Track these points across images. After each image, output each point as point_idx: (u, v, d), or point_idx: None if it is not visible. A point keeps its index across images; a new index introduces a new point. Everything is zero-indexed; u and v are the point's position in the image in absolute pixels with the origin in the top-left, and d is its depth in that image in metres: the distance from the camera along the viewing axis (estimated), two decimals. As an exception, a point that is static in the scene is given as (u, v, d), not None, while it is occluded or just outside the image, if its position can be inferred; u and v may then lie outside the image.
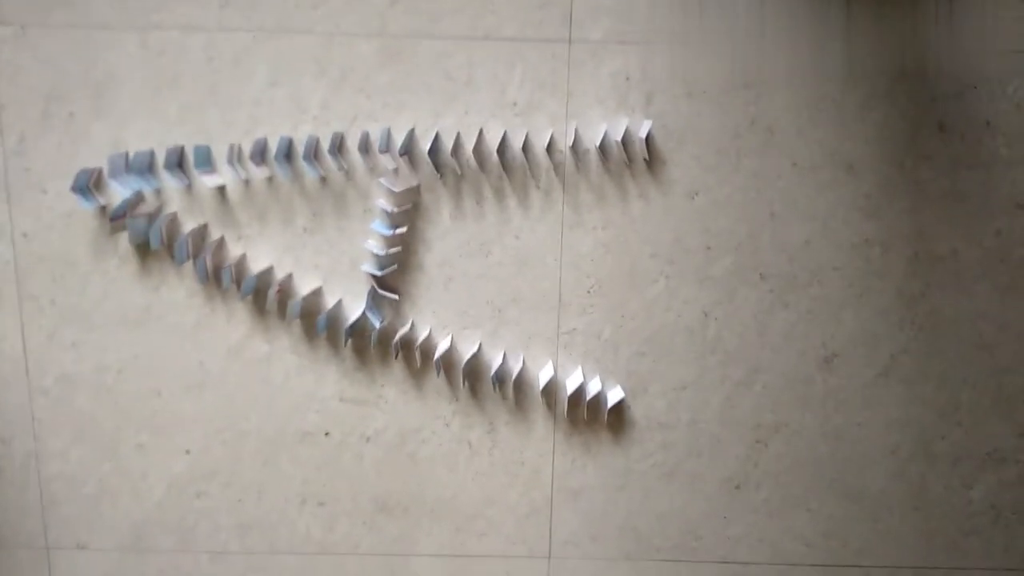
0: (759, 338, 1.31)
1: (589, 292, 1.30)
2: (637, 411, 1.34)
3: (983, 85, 1.24)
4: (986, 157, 1.26)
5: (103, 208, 1.25)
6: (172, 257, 1.27)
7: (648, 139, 1.24)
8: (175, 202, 1.26)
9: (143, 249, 1.27)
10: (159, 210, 1.26)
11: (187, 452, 1.33)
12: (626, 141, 1.24)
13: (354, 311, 1.29)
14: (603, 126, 1.24)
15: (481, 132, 1.24)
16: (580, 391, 1.31)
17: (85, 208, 1.24)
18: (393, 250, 1.26)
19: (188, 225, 1.27)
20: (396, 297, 1.29)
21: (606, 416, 1.32)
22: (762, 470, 1.36)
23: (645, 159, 1.26)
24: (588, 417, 1.33)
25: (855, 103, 1.24)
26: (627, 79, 1.23)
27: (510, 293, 1.30)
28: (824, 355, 1.32)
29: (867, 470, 1.35)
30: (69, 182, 1.22)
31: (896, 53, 1.23)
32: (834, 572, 1.39)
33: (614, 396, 1.31)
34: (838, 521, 1.37)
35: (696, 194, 1.27)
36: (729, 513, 1.37)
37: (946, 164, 1.26)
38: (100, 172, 1.24)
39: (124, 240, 1.27)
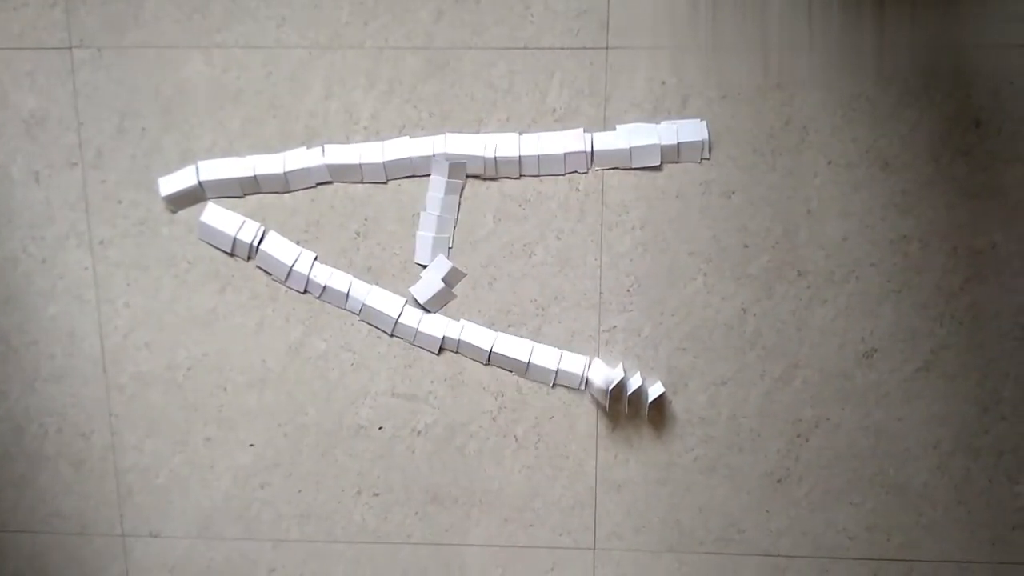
0: (798, 334, 1.33)
1: (629, 290, 1.34)
2: (678, 406, 1.37)
3: (1019, 80, 1.24)
4: (1024, 151, 1.27)
5: (173, 213, 1.34)
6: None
7: (684, 141, 1.28)
8: (239, 209, 1.35)
9: (210, 254, 1.36)
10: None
11: (251, 445, 1.41)
12: (663, 143, 1.28)
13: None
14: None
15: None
16: (621, 387, 1.35)
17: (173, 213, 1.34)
18: (440, 252, 1.32)
19: (251, 231, 1.35)
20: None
21: (647, 411, 1.36)
22: (803, 464, 1.37)
23: (682, 160, 1.29)
24: (630, 412, 1.37)
25: (889, 101, 1.26)
26: (663, 83, 1.27)
27: (552, 292, 1.34)
28: (863, 350, 1.33)
29: (909, 464, 1.36)
30: (143, 193, 1.32)
31: (930, 51, 1.24)
32: (877, 566, 1.39)
33: (655, 391, 1.35)
34: (881, 515, 1.38)
35: (732, 193, 1.30)
36: (771, 507, 1.39)
37: (983, 159, 1.26)
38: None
39: (192, 246, 1.35)
